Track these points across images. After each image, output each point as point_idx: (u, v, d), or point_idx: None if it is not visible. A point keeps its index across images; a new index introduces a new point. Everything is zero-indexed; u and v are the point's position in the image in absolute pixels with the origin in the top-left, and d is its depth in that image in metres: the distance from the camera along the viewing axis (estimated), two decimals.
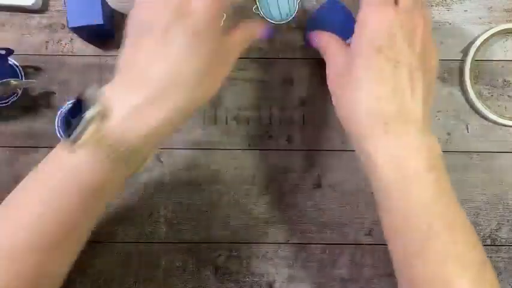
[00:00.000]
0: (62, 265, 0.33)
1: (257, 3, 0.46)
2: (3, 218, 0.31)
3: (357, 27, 0.35)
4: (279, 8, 0.45)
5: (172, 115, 0.31)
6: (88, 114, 0.29)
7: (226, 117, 0.47)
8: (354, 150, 0.46)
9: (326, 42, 0.39)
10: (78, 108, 0.29)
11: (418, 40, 0.34)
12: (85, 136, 0.29)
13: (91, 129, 0.29)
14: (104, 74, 0.46)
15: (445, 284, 0.30)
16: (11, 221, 0.30)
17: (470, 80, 0.46)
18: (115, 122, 0.29)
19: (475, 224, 0.46)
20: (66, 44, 0.47)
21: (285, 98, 0.47)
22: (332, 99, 0.37)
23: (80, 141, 0.29)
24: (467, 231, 0.33)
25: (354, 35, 0.35)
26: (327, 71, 0.38)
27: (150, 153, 0.32)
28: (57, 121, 0.46)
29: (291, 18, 0.46)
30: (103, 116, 0.29)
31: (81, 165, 0.29)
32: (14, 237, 0.29)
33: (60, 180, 0.30)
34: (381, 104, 0.32)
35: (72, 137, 0.29)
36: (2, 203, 0.32)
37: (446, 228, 0.31)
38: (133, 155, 0.30)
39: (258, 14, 0.45)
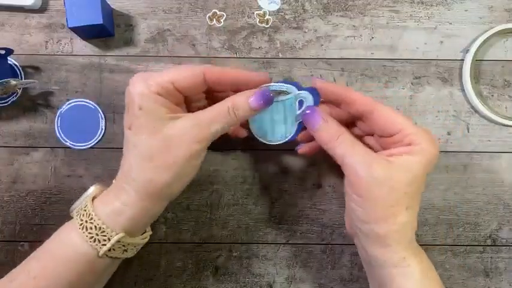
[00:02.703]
0: None
1: (249, 121, 0.40)
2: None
3: (416, 149, 0.34)
4: (273, 128, 0.39)
5: (126, 202, 0.35)
6: (84, 194, 0.38)
7: None
8: None
9: (344, 149, 0.35)
10: None
11: None
12: (76, 209, 0.37)
13: (81, 205, 0.37)
14: (104, 73, 0.46)
15: None
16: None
17: (471, 80, 0.46)
18: (95, 203, 0.37)
19: (476, 224, 0.46)
20: (65, 44, 0.46)
21: None
22: (358, 204, 0.35)
23: (74, 214, 0.37)
24: None
25: (407, 152, 0.34)
26: (353, 175, 0.34)
27: (119, 236, 0.35)
28: (57, 121, 0.46)
29: (284, 140, 0.39)
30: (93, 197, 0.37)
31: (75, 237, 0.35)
32: None
33: (65, 253, 0.36)
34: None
35: (71, 208, 0.39)
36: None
37: None
38: (100, 230, 0.35)
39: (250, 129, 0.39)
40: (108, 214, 0.35)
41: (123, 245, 0.36)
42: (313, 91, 0.37)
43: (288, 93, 0.38)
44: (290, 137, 0.39)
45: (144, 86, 0.34)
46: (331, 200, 0.46)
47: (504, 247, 0.46)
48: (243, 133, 0.43)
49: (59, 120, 0.46)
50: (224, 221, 0.46)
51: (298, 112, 0.38)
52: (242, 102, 0.35)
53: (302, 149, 0.42)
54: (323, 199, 0.46)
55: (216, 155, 0.46)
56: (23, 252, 0.45)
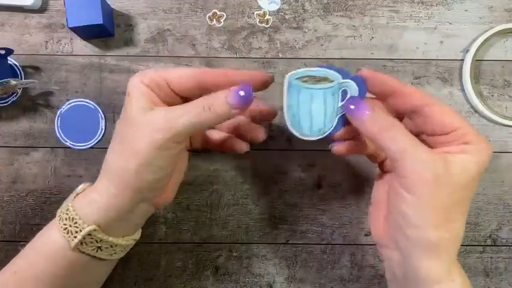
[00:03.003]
0: None
1: (284, 109, 0.34)
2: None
3: (473, 149, 0.32)
4: (311, 120, 0.34)
5: (98, 191, 0.35)
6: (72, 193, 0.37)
7: None
8: None
9: (400, 142, 0.31)
10: None
11: None
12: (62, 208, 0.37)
13: (67, 202, 0.37)
14: (104, 73, 0.46)
15: None
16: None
17: (471, 80, 0.46)
18: (76, 200, 0.36)
19: (476, 224, 0.46)
20: (65, 44, 0.46)
21: None
22: (402, 206, 0.32)
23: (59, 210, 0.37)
24: None
25: (464, 155, 0.32)
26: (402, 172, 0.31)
27: (101, 236, 0.35)
28: (57, 121, 0.46)
29: (322, 136, 0.35)
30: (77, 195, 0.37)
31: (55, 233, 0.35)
32: None
33: (50, 252, 0.36)
34: None
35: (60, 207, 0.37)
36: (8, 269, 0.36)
37: None
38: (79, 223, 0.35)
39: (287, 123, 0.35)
40: (83, 206, 0.35)
41: (96, 241, 0.35)
42: (359, 81, 0.33)
43: (331, 80, 0.33)
44: (329, 132, 0.35)
45: (138, 78, 0.35)
46: (331, 200, 0.46)
47: (504, 247, 0.46)
48: (242, 147, 0.40)
49: (59, 120, 0.46)
50: (224, 221, 0.46)
51: (341, 104, 0.33)
52: (219, 97, 0.33)
53: (337, 147, 0.37)
54: (323, 199, 0.46)
55: (216, 155, 0.46)
56: None
